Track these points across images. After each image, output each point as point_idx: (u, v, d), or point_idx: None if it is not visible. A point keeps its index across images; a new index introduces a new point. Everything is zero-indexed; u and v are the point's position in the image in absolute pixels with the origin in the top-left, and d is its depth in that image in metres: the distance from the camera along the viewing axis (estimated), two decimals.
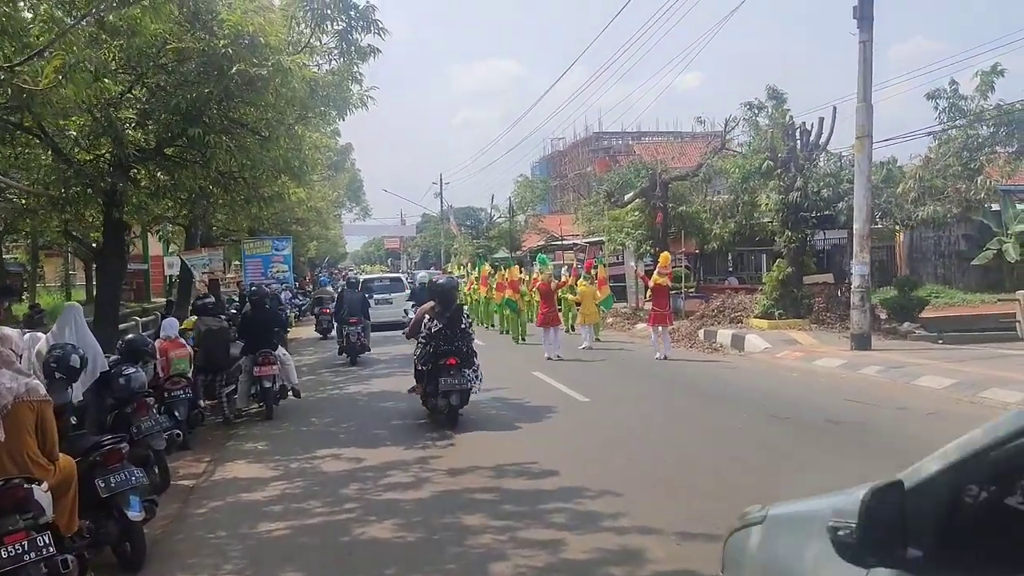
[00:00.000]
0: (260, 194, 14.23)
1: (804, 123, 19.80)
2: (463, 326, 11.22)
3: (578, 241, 41.95)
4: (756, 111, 25.72)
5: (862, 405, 11.34)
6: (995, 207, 23.07)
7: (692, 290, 25.64)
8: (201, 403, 10.87)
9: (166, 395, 10.12)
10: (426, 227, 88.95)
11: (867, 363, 14.66)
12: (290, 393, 12.53)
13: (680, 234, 25.60)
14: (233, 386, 13.18)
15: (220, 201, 14.45)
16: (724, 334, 19.31)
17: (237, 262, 35.70)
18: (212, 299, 13.95)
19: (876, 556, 2.26)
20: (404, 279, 27.66)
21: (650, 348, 18.11)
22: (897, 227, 19.74)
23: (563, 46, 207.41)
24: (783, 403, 11.64)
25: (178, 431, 8.35)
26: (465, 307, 13.26)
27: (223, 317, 15.40)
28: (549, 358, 17.26)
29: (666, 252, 18.54)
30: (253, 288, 15.85)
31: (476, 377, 11.08)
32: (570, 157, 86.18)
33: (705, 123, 26.35)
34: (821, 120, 19.59)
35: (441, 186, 72.66)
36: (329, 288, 31.40)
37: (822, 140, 19.68)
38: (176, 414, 10.11)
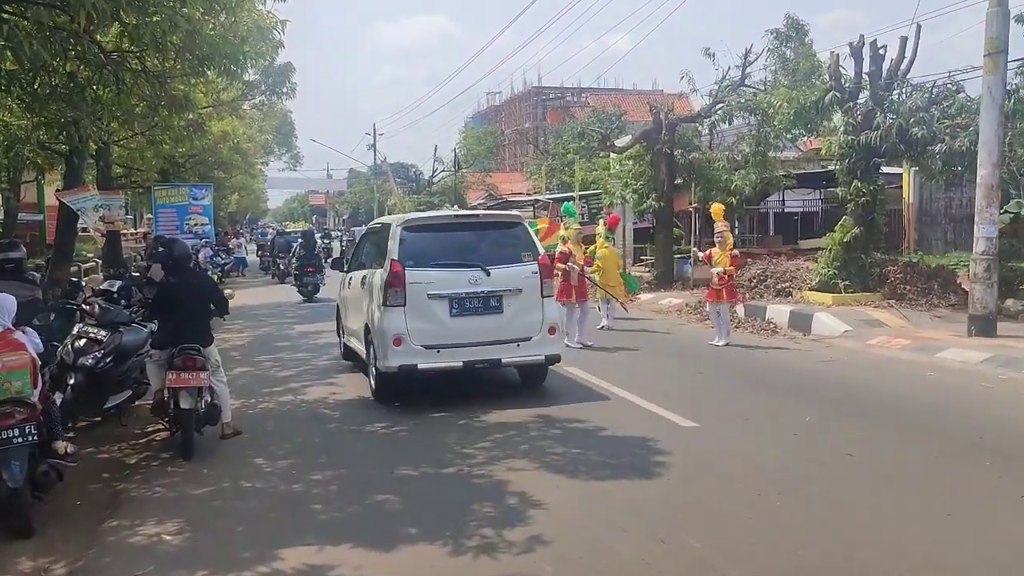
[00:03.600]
0: (171, 97, 9.24)
1: (876, 42, 15.50)
2: (316, 252, 23.32)
3: (540, 198, 37.38)
4: (784, 40, 21.62)
5: None
6: None
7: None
8: (60, 446, 6.01)
9: None
10: (356, 182, 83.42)
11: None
12: (222, 425, 7.81)
13: (691, 186, 21.27)
14: (127, 393, 8.42)
15: (110, 105, 9.35)
16: (778, 311, 15.14)
17: (150, 215, 30.34)
18: (18, 253, 8.64)
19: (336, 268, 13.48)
20: (314, 231, 32.27)
21: (675, 324, 15.75)
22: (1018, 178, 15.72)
23: (494, 2, 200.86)
24: (977, 426, 7.53)
25: None
26: (319, 241, 27.89)
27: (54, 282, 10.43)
28: (569, 345, 12.85)
29: (718, 204, 14.18)
30: (164, 240, 10.91)
31: (323, 277, 21.99)
32: (507, 112, 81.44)
33: (715, 56, 21.89)
34: (903, 40, 15.37)
35: (375, 137, 67.09)
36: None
37: (902, 67, 15.46)
38: (3, 477, 5.40)
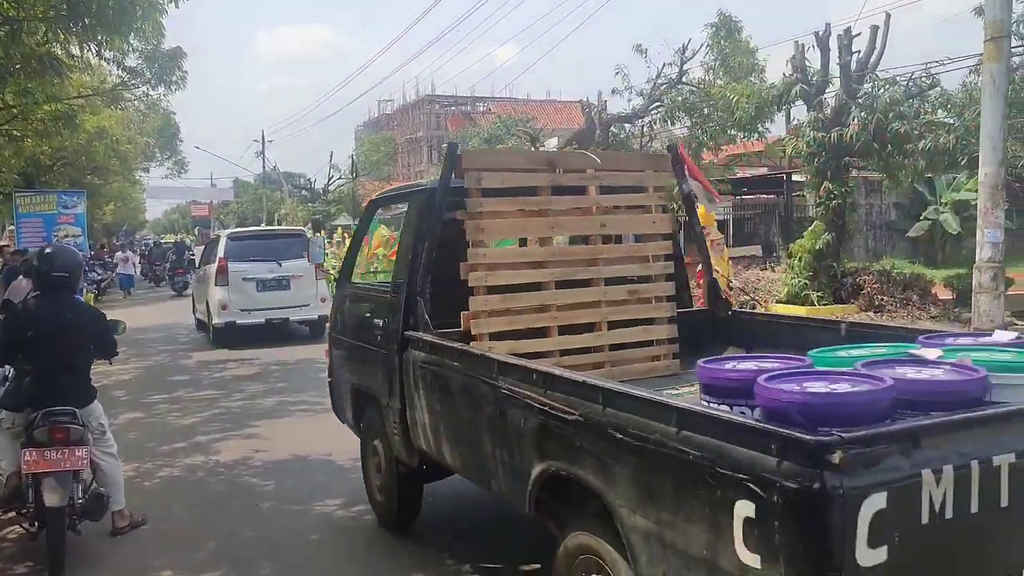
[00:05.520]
0: (30, 56, 6.81)
1: (850, 29, 14.20)
2: (184, 258, 27.90)
3: None
4: (724, 35, 20.36)
5: None
6: None
7: None
8: None
9: None
10: (243, 192, 79.24)
11: None
12: (112, 516, 5.48)
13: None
14: None
15: None
16: None
17: (12, 226, 26.77)
18: None
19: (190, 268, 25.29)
20: (187, 242, 38.47)
21: None
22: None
23: (380, 12, 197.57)
24: None
25: None
26: (189, 249, 31.74)
27: None
28: None
29: (704, 206, 12.32)
30: (47, 252, 8.25)
31: (190, 276, 23.44)
32: (400, 120, 79.12)
33: (647, 52, 20.36)
34: (873, 30, 14.12)
35: (264, 144, 63.44)
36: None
37: (872, 59, 14.20)
38: None
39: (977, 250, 11.49)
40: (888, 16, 14.21)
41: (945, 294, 14.65)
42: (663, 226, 5.30)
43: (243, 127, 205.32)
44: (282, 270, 14.38)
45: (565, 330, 4.81)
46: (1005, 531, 2.40)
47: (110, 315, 5.92)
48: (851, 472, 2.10)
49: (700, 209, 11.84)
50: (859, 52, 14.28)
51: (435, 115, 75.56)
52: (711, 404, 2.87)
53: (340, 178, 51.02)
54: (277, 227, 25.70)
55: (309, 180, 60.03)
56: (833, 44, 14.38)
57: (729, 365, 3.08)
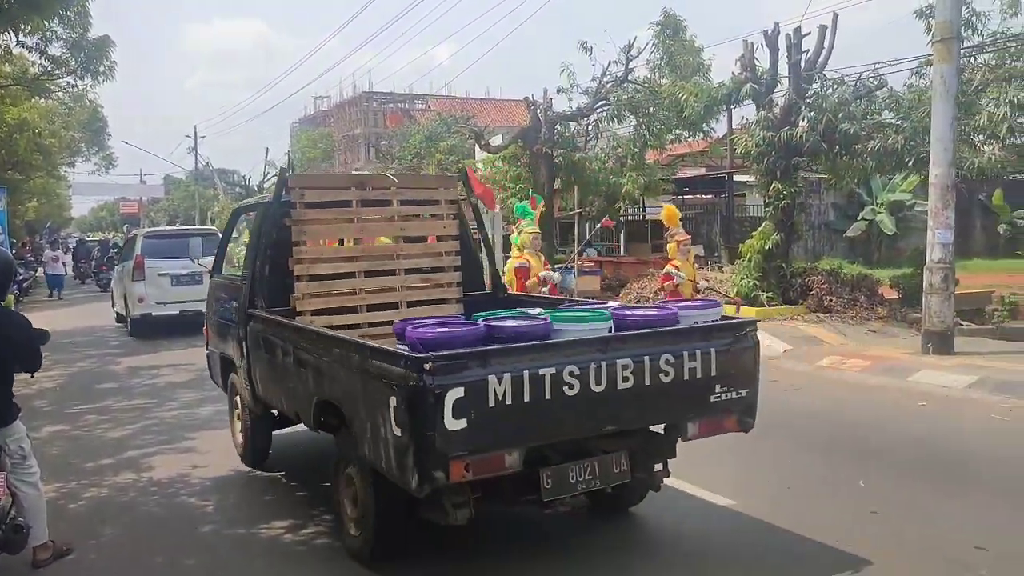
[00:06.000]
0: None
1: (800, 28, 14.10)
2: (109, 256, 27.74)
3: None
4: (669, 33, 20.30)
5: None
6: None
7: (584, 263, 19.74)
8: None
9: None
10: (174, 188, 77.05)
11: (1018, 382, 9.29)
12: (34, 552, 4.94)
13: (574, 189, 19.39)
14: None
15: None
16: None
17: None
18: None
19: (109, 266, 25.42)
20: (115, 240, 38.82)
21: None
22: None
23: (311, 6, 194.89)
24: None
25: None
26: (113, 248, 29.70)
27: None
28: None
29: (671, 206, 11.85)
30: None
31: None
32: (337, 117, 77.95)
33: (592, 49, 20.11)
34: (822, 29, 14.06)
35: (196, 140, 61.67)
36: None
37: (820, 59, 14.14)
38: None
39: (928, 251, 11.50)
40: (835, 16, 14.16)
41: (891, 294, 14.73)
42: (452, 229, 6.77)
43: (175, 122, 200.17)
44: (195, 267, 15.13)
45: (374, 308, 6.31)
46: (550, 412, 3.95)
47: (34, 320, 5.36)
48: (439, 375, 3.66)
49: (666, 210, 11.53)
50: (808, 52, 14.23)
51: (373, 112, 74.61)
52: (398, 345, 4.22)
53: (276, 175, 49.84)
54: (191, 227, 27.99)
55: (244, 177, 58.70)
56: (782, 43, 14.29)
57: (416, 323, 4.37)
